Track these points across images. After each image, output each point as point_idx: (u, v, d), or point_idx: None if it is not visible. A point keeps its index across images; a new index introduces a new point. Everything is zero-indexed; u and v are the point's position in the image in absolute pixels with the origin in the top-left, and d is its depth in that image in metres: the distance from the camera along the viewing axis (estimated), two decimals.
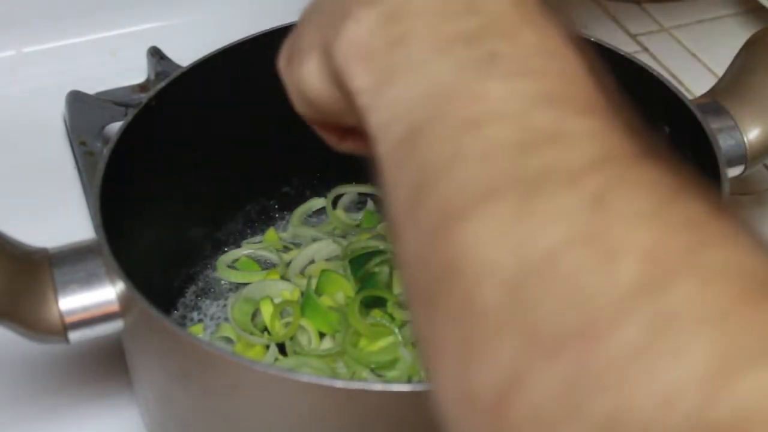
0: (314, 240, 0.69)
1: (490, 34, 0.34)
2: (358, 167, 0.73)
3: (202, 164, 0.66)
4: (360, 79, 0.36)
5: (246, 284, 0.66)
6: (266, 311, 0.63)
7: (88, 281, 0.53)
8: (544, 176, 0.29)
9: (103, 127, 0.78)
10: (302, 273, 0.67)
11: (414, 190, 0.32)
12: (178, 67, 0.74)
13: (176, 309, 0.66)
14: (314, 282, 0.63)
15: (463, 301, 0.29)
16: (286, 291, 0.65)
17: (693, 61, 0.88)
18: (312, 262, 0.68)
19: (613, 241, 0.27)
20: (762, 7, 0.90)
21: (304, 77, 0.43)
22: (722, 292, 0.26)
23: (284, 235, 0.70)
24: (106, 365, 0.63)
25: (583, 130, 0.31)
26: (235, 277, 0.67)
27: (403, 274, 0.33)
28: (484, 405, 0.28)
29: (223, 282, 0.68)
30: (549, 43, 0.34)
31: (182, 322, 0.65)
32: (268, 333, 0.62)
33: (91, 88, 0.82)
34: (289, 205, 0.72)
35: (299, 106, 0.46)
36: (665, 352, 0.25)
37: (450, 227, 0.30)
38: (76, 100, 0.80)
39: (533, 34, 0.34)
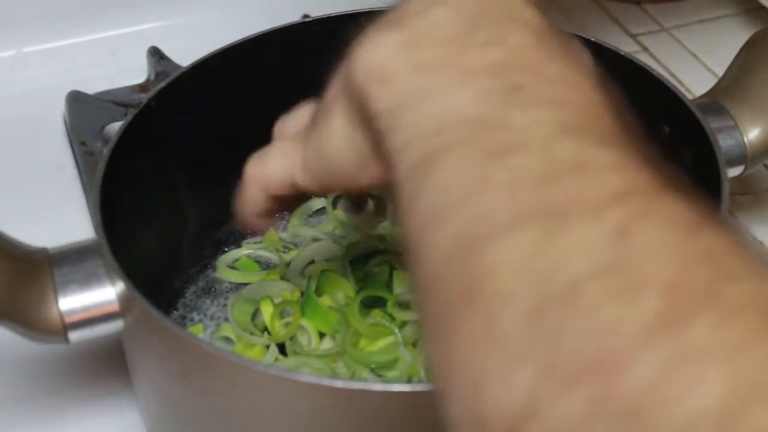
0: (314, 240, 0.69)
1: (514, 66, 0.34)
2: None
3: (202, 164, 0.66)
4: (381, 102, 0.37)
5: (246, 284, 0.66)
6: (266, 311, 0.63)
7: (88, 281, 0.53)
8: (567, 207, 0.30)
9: (103, 127, 0.78)
10: (302, 273, 0.67)
11: (433, 214, 0.32)
12: (178, 67, 0.74)
13: (176, 309, 0.66)
14: (314, 282, 0.63)
15: (481, 327, 0.29)
16: (286, 291, 0.65)
17: (693, 61, 0.88)
18: (312, 262, 0.68)
19: (635, 273, 0.28)
20: (762, 7, 0.90)
21: (329, 129, 0.43)
22: (740, 326, 0.26)
23: (284, 235, 0.70)
24: (106, 365, 0.63)
25: (605, 161, 0.31)
26: (235, 277, 0.67)
27: (418, 294, 0.33)
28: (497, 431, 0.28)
29: (223, 282, 0.68)
30: (571, 76, 0.34)
31: (182, 322, 0.65)
32: (268, 333, 0.62)
33: (91, 88, 0.82)
34: None
35: (315, 172, 0.46)
36: (682, 385, 0.25)
37: (471, 252, 0.30)
38: (76, 100, 0.80)
39: (555, 66, 0.35)
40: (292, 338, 0.62)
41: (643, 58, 0.75)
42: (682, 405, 0.25)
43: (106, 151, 0.58)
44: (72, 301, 0.52)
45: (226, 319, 0.64)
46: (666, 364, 0.26)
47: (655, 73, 0.63)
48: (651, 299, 0.27)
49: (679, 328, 0.26)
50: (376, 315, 0.61)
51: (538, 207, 0.30)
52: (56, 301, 0.52)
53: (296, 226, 0.71)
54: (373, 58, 0.38)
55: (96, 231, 0.53)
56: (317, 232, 0.70)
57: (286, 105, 0.69)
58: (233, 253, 0.69)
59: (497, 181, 0.31)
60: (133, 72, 0.84)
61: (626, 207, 0.29)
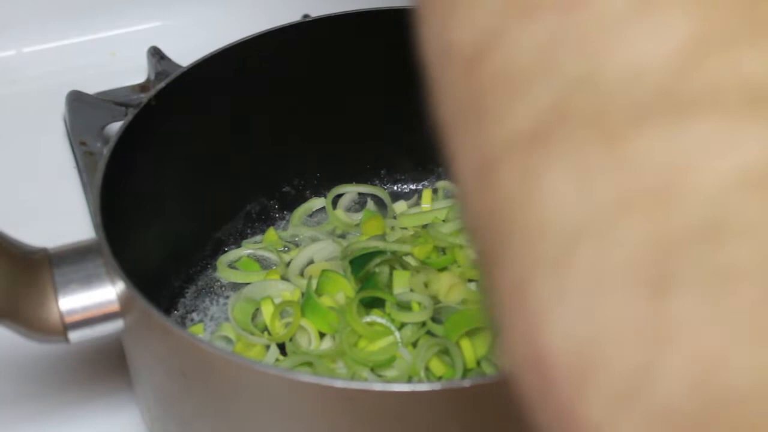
0: (314, 240, 0.69)
1: None
2: (358, 167, 0.73)
3: (201, 164, 0.66)
4: None
5: (246, 284, 0.66)
6: (267, 311, 0.63)
7: (88, 281, 0.53)
8: None
9: (103, 127, 0.78)
10: (302, 273, 0.67)
11: None
12: (178, 67, 0.74)
13: (176, 309, 0.66)
14: (314, 282, 0.63)
15: None
16: (287, 291, 0.65)
17: None
18: (312, 262, 0.68)
19: None
20: None
21: None
22: None
23: (284, 235, 0.70)
24: (106, 365, 0.63)
25: None
26: (236, 277, 0.67)
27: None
28: (460, 58, 0.28)
29: (223, 282, 0.68)
30: None
31: (182, 322, 0.65)
32: (268, 333, 0.62)
33: (91, 88, 0.82)
34: (289, 205, 0.72)
35: None
36: (647, 25, 0.24)
37: None
38: (76, 100, 0.80)
39: None
40: (291, 338, 0.62)
41: None
42: (642, 44, 0.24)
43: (106, 151, 0.58)
44: (72, 301, 0.52)
45: (227, 319, 0.64)
46: (631, 1, 0.25)
47: None
48: None
49: None
50: (376, 315, 0.61)
51: None
52: (56, 301, 0.52)
53: (296, 226, 0.71)
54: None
55: (96, 231, 0.54)
56: (317, 232, 0.70)
57: (285, 105, 0.69)
58: (233, 253, 0.69)
59: None
60: (133, 72, 0.84)
61: None
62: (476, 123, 0.27)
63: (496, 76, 0.27)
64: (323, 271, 0.64)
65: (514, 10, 0.27)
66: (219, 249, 0.69)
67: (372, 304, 0.62)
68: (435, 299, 0.62)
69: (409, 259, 0.65)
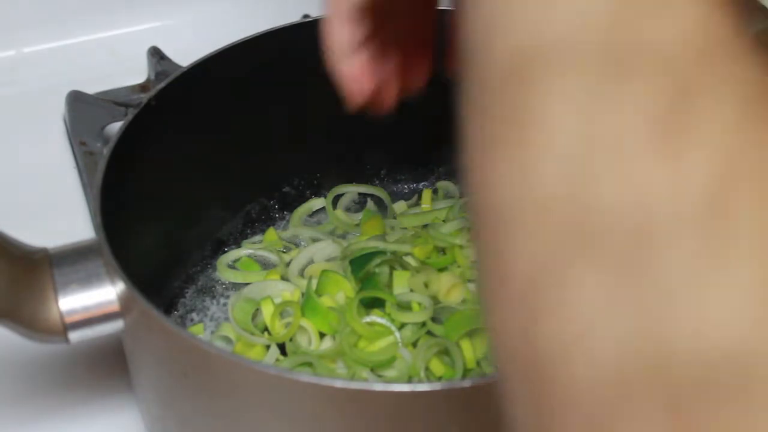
0: (314, 240, 0.69)
1: None
2: (358, 167, 0.73)
3: (202, 164, 0.66)
4: None
5: (246, 284, 0.66)
6: (267, 311, 0.63)
7: (88, 281, 0.53)
8: (632, 55, 0.28)
9: (103, 127, 0.78)
10: (302, 273, 0.67)
11: (488, 30, 0.30)
12: (178, 67, 0.74)
13: (176, 309, 0.66)
14: (314, 282, 0.63)
15: (521, 170, 0.28)
16: (287, 291, 0.65)
17: None
18: (312, 262, 0.68)
19: (685, 141, 0.26)
20: (762, 7, 0.90)
21: None
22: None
23: (284, 235, 0.70)
24: (106, 365, 0.63)
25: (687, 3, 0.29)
26: (235, 277, 0.67)
27: (466, 110, 0.31)
28: None
29: (223, 282, 0.68)
30: None
31: (182, 322, 0.65)
32: (268, 333, 0.62)
33: (91, 88, 0.82)
34: (289, 205, 0.72)
35: None
36: (716, 275, 0.25)
37: (522, 83, 0.29)
38: (76, 100, 0.80)
39: None
40: (291, 338, 0.62)
41: None
42: (699, 318, 0.25)
43: (106, 151, 0.58)
44: (72, 301, 0.52)
45: (227, 319, 0.64)
46: (701, 247, 0.25)
47: None
48: (698, 178, 0.26)
49: (722, 214, 0.26)
50: (376, 315, 0.61)
51: (601, 49, 0.28)
52: (56, 301, 0.52)
53: (296, 226, 0.71)
54: None
55: (96, 231, 0.53)
56: (317, 232, 0.70)
57: (285, 105, 0.69)
58: (233, 253, 0.69)
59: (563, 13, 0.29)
60: (133, 72, 0.84)
61: (694, 64, 0.27)
62: None
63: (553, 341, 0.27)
64: (323, 271, 0.64)
65: (586, 252, 0.27)
66: (219, 249, 0.69)
67: (372, 304, 0.62)
68: (435, 299, 0.62)
69: (409, 259, 0.65)
